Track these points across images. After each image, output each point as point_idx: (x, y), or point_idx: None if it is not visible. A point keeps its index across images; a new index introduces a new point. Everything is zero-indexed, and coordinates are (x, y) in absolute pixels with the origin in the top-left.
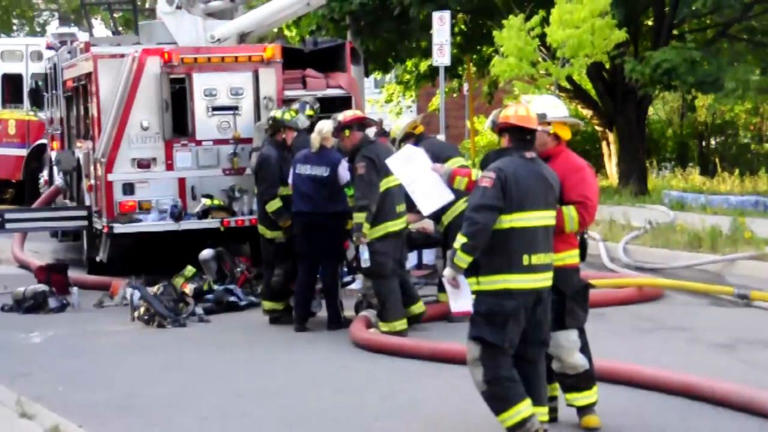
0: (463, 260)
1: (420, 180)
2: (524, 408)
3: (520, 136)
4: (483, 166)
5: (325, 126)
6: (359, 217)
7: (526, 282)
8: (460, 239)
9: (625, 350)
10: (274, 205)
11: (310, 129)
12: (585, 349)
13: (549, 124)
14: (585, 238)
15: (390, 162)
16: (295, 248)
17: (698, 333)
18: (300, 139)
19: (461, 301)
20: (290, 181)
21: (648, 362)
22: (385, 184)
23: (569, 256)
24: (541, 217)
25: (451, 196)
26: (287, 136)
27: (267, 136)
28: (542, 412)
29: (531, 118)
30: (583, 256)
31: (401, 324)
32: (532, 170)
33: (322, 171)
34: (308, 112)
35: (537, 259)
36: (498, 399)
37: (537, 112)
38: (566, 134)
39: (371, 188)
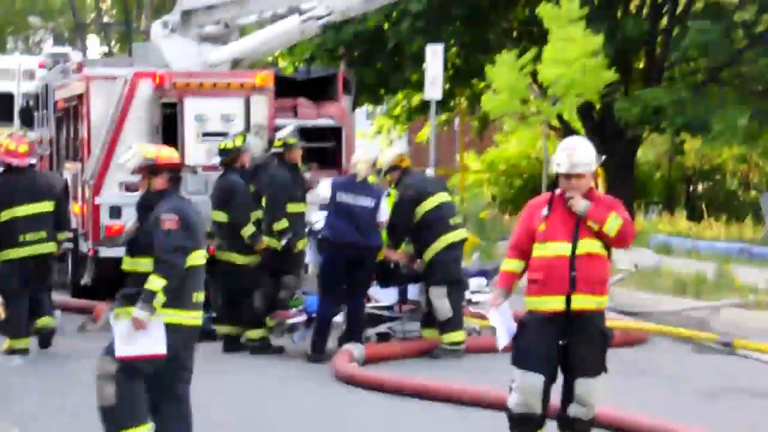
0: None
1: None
2: None
3: (175, 175)
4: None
5: (376, 157)
6: None
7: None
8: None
9: (606, 394)
10: (250, 229)
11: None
12: None
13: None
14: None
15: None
16: (327, 279)
17: (681, 379)
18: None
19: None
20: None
21: (629, 407)
22: (8, 215)
23: (606, 301)
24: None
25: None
26: (245, 159)
27: (223, 165)
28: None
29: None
30: None
31: (20, 343)
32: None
33: (368, 202)
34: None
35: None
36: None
37: (595, 155)
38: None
39: None
